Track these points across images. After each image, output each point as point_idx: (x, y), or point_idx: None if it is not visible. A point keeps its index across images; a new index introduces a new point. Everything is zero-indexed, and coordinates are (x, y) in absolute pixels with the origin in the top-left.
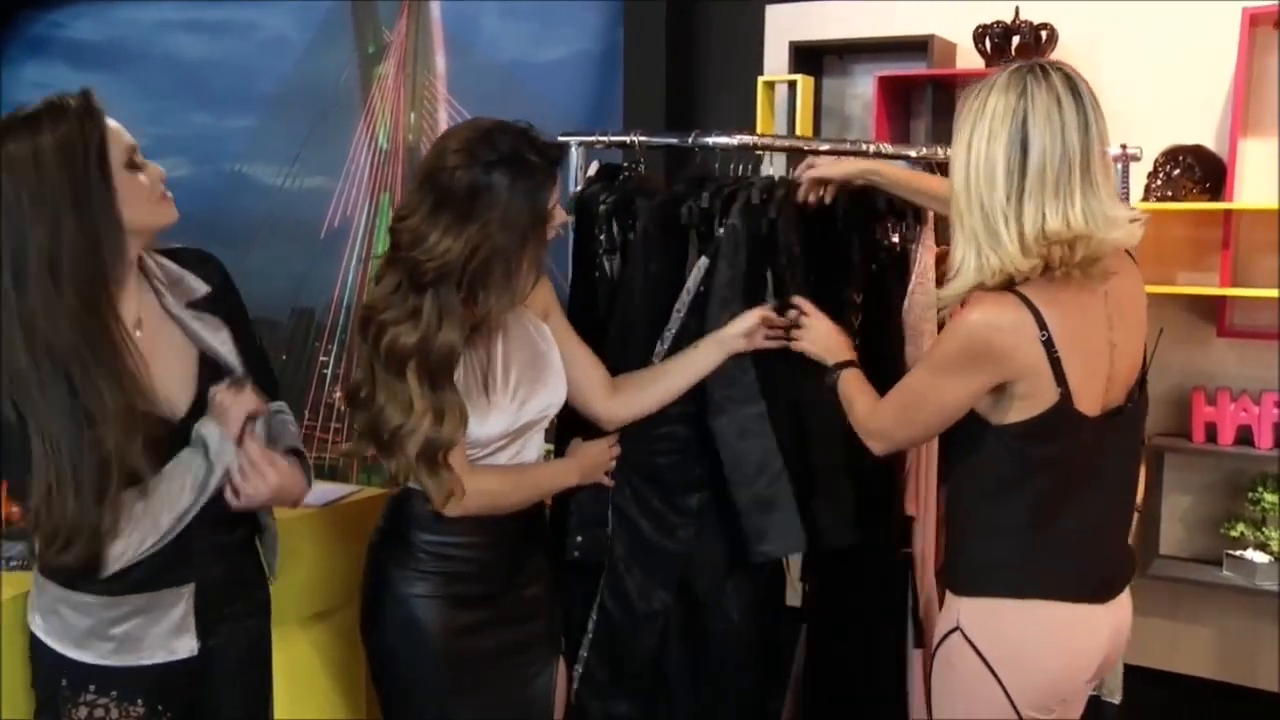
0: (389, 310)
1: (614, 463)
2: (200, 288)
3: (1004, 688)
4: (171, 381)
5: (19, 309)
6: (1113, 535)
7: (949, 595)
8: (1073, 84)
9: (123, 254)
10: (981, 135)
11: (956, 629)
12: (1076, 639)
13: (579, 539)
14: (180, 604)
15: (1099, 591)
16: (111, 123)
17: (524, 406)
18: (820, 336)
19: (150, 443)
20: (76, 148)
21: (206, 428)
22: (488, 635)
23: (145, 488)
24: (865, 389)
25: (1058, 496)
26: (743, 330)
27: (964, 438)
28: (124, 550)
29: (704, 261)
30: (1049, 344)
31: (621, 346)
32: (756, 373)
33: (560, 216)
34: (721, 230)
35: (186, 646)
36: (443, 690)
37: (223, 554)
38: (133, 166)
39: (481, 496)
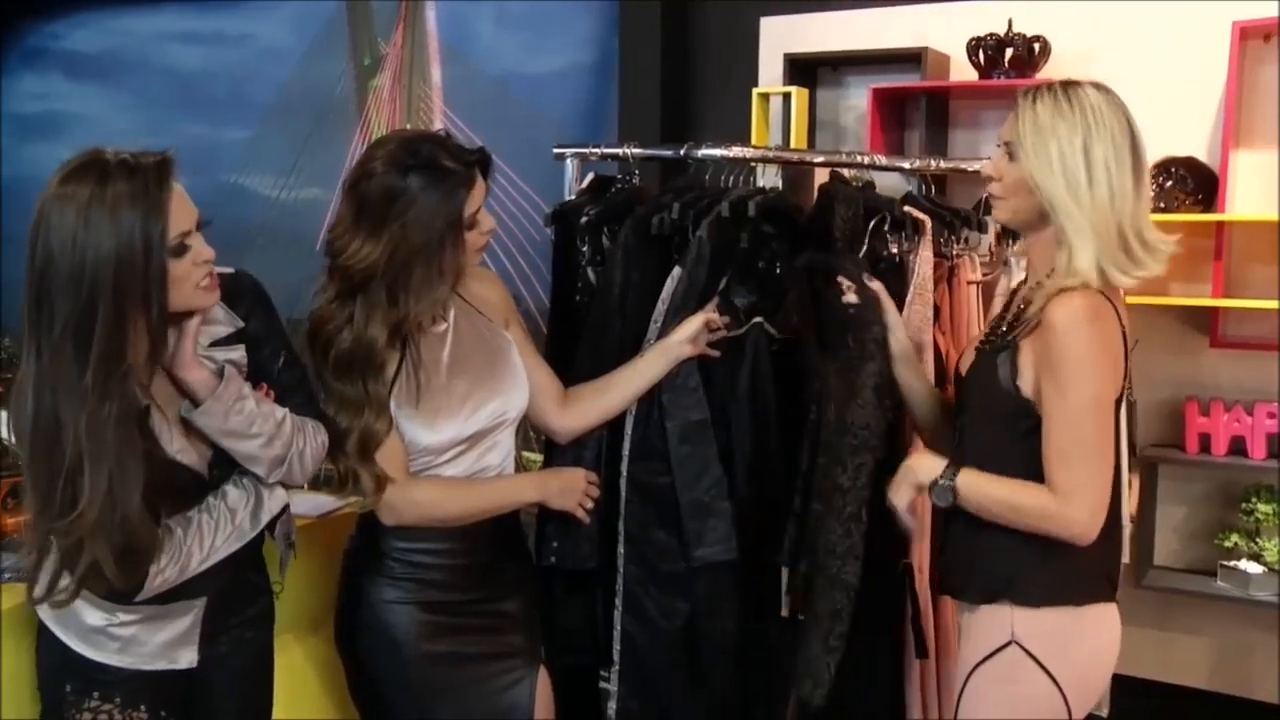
0: (331, 320)
1: (589, 500)
2: (227, 328)
3: (1065, 698)
4: (191, 441)
5: (38, 368)
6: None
7: (991, 608)
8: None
9: (162, 342)
10: (1105, 144)
11: (1011, 642)
12: (1117, 637)
13: (554, 544)
14: (189, 616)
15: (1116, 587)
16: (179, 191)
17: (476, 413)
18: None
19: (177, 493)
20: (134, 219)
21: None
22: (461, 641)
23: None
24: (993, 477)
25: (1118, 487)
26: (686, 336)
27: (1016, 450)
28: (156, 581)
29: (677, 272)
30: (1124, 336)
31: (596, 355)
32: (703, 379)
33: (488, 223)
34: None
35: (187, 658)
36: (417, 696)
37: (231, 564)
38: (180, 251)
39: (416, 506)
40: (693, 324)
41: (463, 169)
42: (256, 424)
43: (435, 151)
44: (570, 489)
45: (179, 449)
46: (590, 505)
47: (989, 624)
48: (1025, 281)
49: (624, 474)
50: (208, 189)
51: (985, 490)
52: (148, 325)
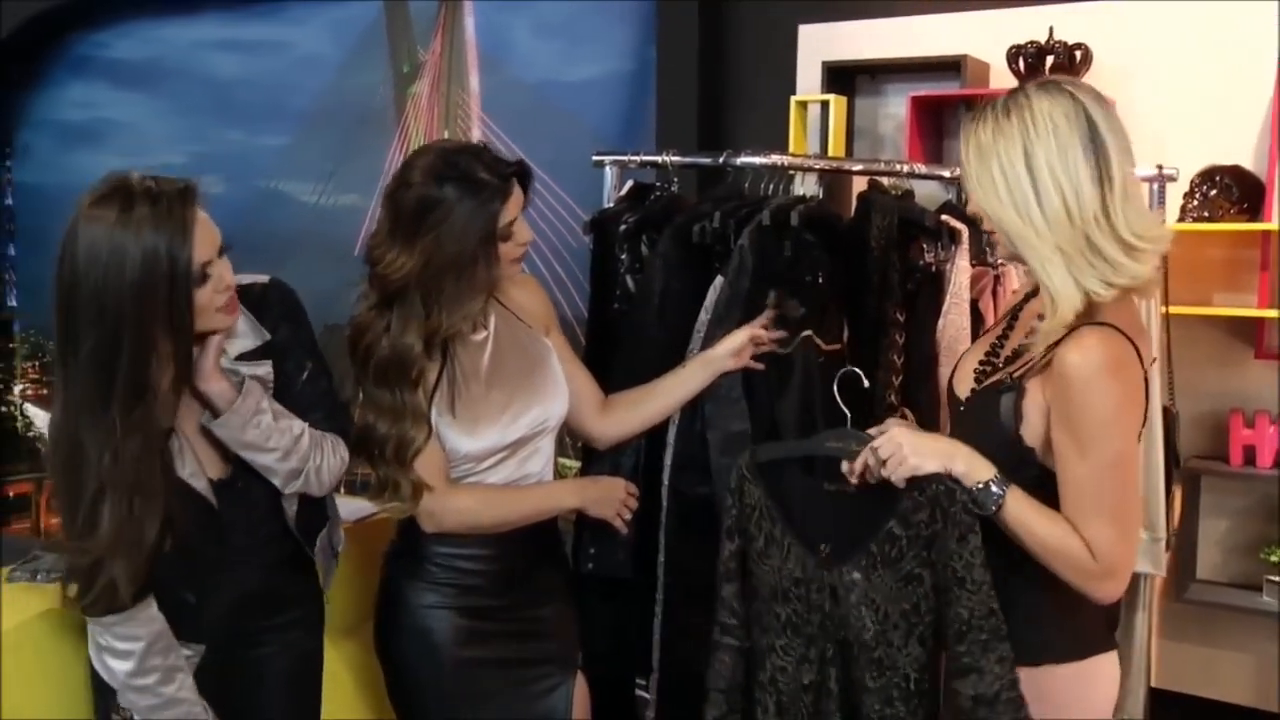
0: (370, 328)
1: (627, 510)
2: (253, 341)
3: None
4: (206, 443)
5: (65, 395)
6: None
7: None
8: (1097, 95)
9: (186, 367)
10: (1048, 147)
11: None
12: (1115, 681)
13: (591, 550)
14: (184, 659)
15: (1116, 628)
16: (203, 219)
17: (516, 420)
18: (926, 447)
19: (184, 519)
20: (159, 247)
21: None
22: (498, 647)
23: None
24: (1043, 509)
25: None
26: (729, 350)
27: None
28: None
29: (719, 281)
30: (1146, 381)
31: (635, 363)
32: (745, 390)
33: (525, 235)
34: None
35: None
36: (454, 701)
37: (260, 567)
38: (202, 279)
39: (457, 514)
40: (738, 338)
41: (499, 181)
42: (273, 438)
43: (472, 164)
44: (609, 498)
45: (191, 473)
46: (628, 515)
47: None
48: (1035, 294)
49: (666, 484)
50: (245, 195)
51: (1032, 519)
52: (174, 353)
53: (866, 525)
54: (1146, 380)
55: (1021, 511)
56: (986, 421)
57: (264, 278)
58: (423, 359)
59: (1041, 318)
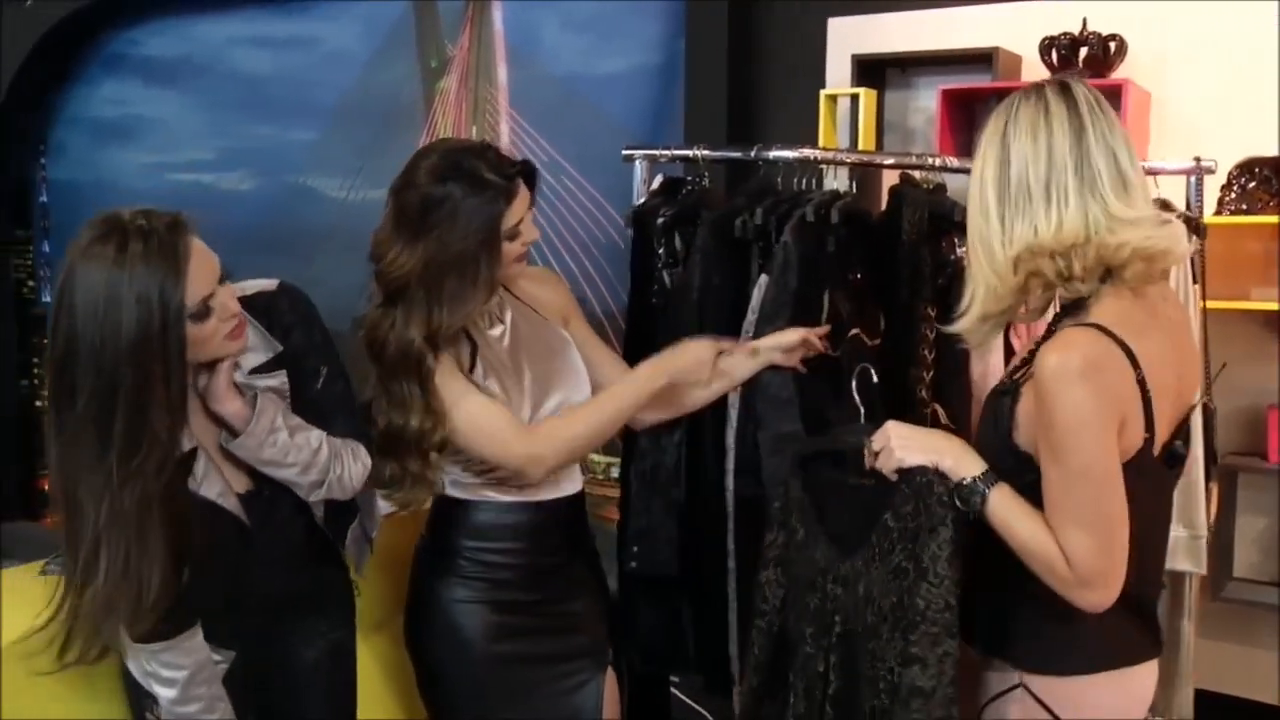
0: (378, 325)
1: (717, 368)
2: (264, 355)
3: None
4: (229, 459)
5: (60, 443)
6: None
7: (999, 662)
8: (1069, 92)
9: (181, 413)
10: (976, 162)
11: (1020, 685)
12: (1147, 695)
13: (634, 549)
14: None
15: (1159, 644)
16: (198, 253)
17: (536, 410)
18: (914, 442)
19: (215, 540)
20: (151, 294)
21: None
22: (529, 642)
23: None
24: (1029, 511)
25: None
26: (780, 345)
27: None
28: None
29: (764, 279)
30: (1142, 383)
31: None
32: (798, 393)
33: (530, 234)
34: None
35: None
36: (484, 695)
37: (291, 568)
38: (204, 314)
39: (551, 442)
40: (791, 336)
41: (502, 181)
42: (291, 454)
43: (475, 164)
44: (699, 359)
45: (219, 492)
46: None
47: (996, 667)
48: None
49: (730, 490)
50: (274, 190)
51: (1014, 518)
52: (167, 401)
53: (873, 518)
54: (1143, 382)
55: (1006, 511)
56: (989, 425)
57: (272, 284)
58: (427, 354)
59: (1048, 331)
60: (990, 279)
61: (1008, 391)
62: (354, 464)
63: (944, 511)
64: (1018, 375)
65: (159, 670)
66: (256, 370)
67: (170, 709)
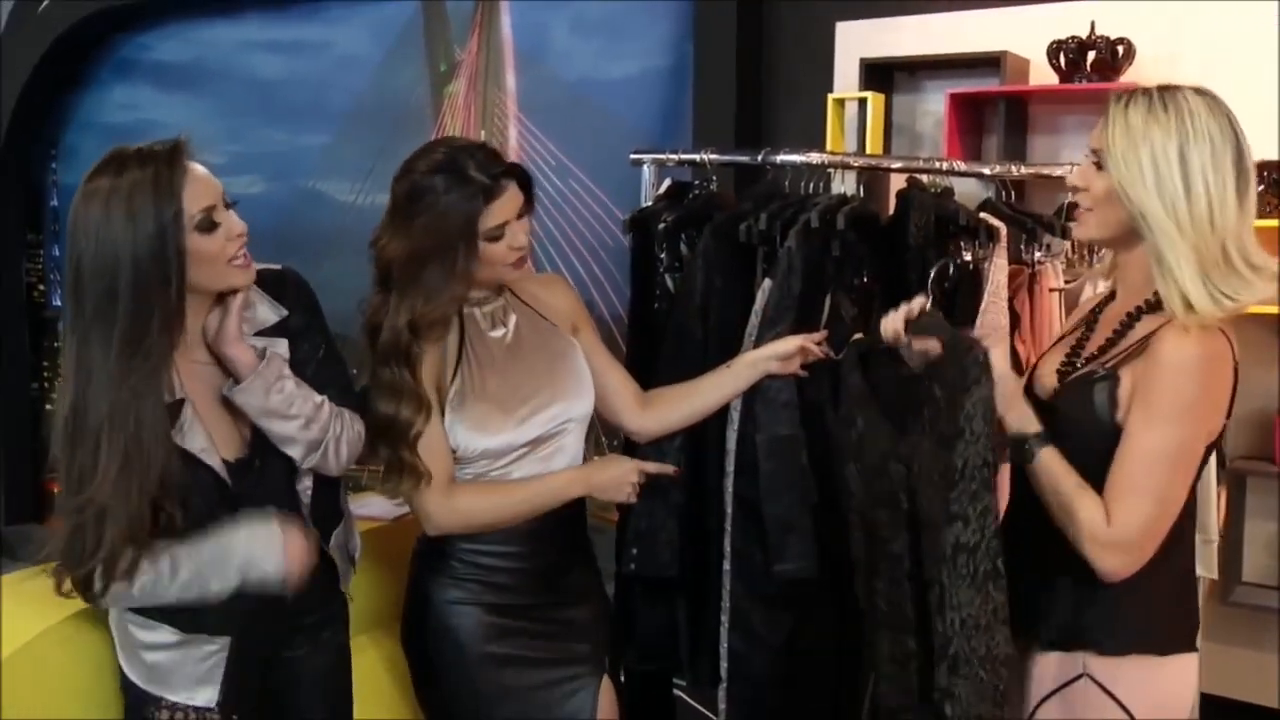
0: (375, 311)
1: (635, 486)
2: (271, 317)
3: None
4: (223, 424)
5: (74, 356)
6: None
7: (1061, 654)
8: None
9: (178, 317)
10: (1203, 153)
11: (1084, 675)
12: (1196, 687)
13: (634, 550)
14: (211, 655)
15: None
16: (197, 171)
17: (534, 416)
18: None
19: (195, 493)
20: (146, 204)
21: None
22: (524, 645)
23: (178, 557)
24: (1072, 473)
25: (1191, 536)
26: (777, 354)
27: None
28: (125, 593)
29: (767, 283)
30: (1236, 372)
31: (678, 362)
32: (798, 398)
33: (519, 239)
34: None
35: (205, 696)
36: (479, 697)
37: None
38: (209, 226)
39: (455, 514)
40: (788, 344)
41: (485, 180)
42: (296, 404)
43: (464, 160)
44: (617, 482)
45: (201, 448)
46: (636, 496)
47: (1058, 661)
48: (1112, 299)
49: (729, 490)
50: (285, 194)
51: (1058, 476)
52: (164, 305)
53: (926, 395)
54: (1237, 371)
55: (1050, 465)
56: (1080, 412)
57: (276, 266)
58: (413, 341)
59: (1128, 318)
60: (1219, 286)
61: (1105, 377)
62: (351, 429)
63: (978, 370)
64: (1109, 363)
65: (143, 637)
66: (261, 334)
67: (179, 605)
